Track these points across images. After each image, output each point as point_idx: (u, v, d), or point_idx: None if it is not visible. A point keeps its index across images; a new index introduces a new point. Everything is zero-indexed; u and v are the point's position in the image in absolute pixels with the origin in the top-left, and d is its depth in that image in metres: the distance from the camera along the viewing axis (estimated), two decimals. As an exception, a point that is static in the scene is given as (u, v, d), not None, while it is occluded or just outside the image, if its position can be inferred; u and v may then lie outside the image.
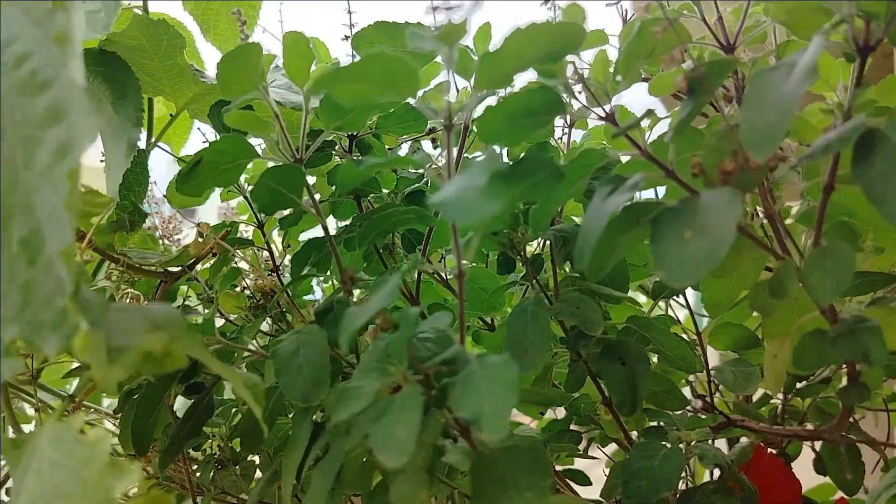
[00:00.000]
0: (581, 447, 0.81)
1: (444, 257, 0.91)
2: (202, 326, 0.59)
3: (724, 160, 0.41)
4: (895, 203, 0.35)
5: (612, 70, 0.43)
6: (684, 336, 0.91)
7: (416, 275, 0.70)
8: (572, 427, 0.80)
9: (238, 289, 0.81)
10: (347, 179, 0.51)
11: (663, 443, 0.54)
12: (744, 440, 0.80)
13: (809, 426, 0.78)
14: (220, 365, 0.38)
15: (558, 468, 0.79)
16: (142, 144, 0.74)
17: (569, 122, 0.65)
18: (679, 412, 0.62)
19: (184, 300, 0.85)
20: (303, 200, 0.57)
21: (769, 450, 0.78)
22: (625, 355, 0.58)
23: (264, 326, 0.81)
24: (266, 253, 0.84)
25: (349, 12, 0.80)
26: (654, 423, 0.59)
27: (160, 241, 0.92)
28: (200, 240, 0.64)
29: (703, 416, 0.82)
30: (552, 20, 0.39)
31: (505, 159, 0.61)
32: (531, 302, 0.56)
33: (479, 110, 0.48)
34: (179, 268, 0.68)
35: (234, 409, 0.72)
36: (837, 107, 0.41)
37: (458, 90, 0.77)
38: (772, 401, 0.87)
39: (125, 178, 0.64)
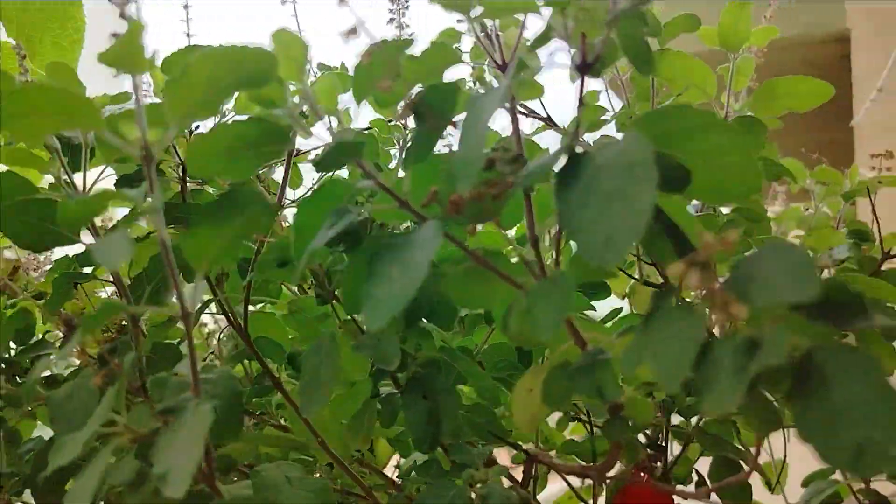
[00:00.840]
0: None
1: (311, 287, 0.88)
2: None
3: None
4: (589, 232, 0.33)
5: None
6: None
7: (243, 307, 0.67)
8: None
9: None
10: (65, 215, 0.49)
11: (458, 481, 0.52)
12: (619, 466, 0.78)
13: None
14: None
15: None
16: None
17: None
18: (479, 448, 0.59)
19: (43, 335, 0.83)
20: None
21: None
22: (428, 389, 0.55)
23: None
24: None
25: (188, 31, 0.78)
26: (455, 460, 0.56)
27: (25, 274, 0.89)
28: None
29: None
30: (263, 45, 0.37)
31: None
32: (327, 338, 0.54)
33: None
34: None
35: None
36: (570, 127, 0.40)
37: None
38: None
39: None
